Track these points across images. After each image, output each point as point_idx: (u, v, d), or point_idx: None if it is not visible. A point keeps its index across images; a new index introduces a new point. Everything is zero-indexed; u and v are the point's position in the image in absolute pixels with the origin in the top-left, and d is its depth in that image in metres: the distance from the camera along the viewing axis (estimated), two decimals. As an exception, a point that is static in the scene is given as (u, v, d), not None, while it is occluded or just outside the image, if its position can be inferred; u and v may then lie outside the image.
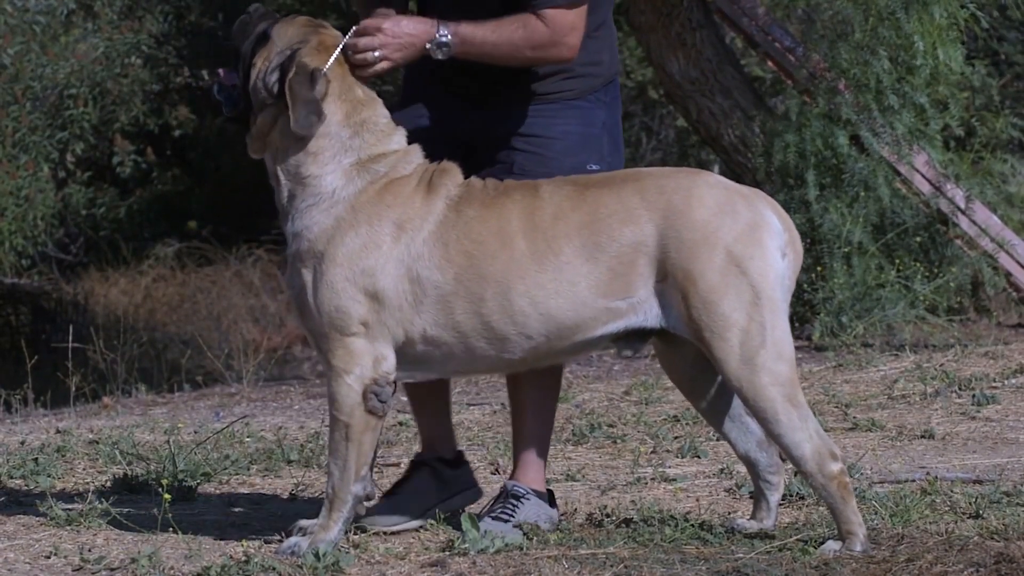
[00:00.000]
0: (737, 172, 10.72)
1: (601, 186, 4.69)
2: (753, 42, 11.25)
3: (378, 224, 4.65)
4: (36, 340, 14.01)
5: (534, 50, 4.82)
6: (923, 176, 10.62)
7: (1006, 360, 8.46)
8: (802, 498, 5.46)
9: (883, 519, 5.02)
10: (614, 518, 5.17)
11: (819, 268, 10.15)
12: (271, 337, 14.17)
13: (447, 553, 4.69)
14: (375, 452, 4.79)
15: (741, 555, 4.58)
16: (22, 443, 6.87)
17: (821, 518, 5.04)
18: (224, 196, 16.68)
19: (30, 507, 5.39)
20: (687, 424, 7.13)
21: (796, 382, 4.62)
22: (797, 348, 4.67)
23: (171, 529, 4.93)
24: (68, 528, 5.06)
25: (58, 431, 7.29)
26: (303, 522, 4.84)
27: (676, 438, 6.80)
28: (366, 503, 4.78)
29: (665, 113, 15.56)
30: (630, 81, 14.97)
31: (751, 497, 5.27)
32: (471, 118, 5.00)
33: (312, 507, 5.35)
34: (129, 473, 5.85)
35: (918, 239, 10.55)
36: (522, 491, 5.00)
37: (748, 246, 4.59)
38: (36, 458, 6.15)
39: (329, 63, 4.72)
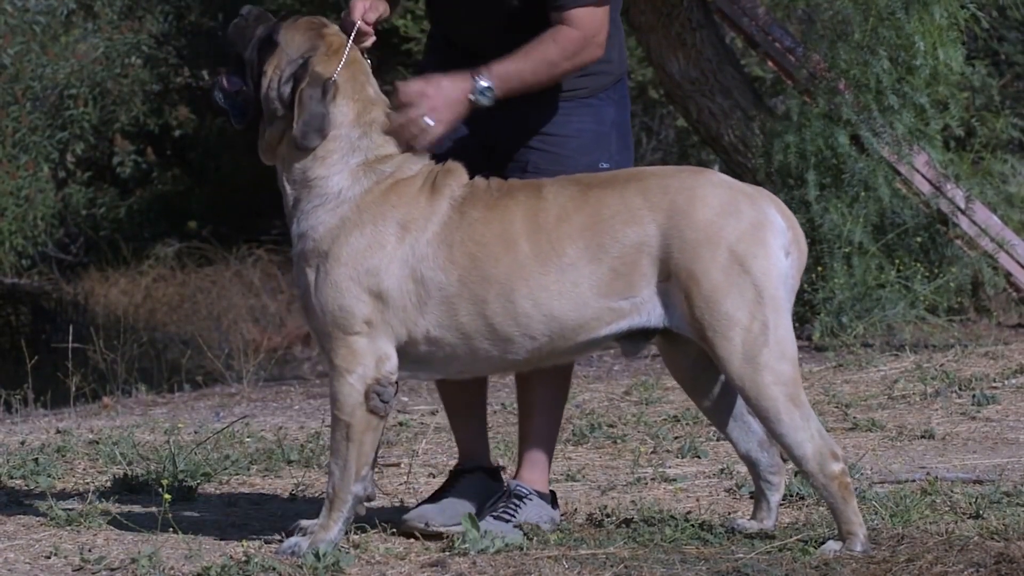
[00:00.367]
0: (737, 172, 10.70)
1: (605, 186, 4.69)
2: (753, 42, 11.25)
3: (383, 224, 4.66)
4: (36, 340, 14.02)
5: (570, 60, 4.82)
6: (923, 176, 10.62)
7: (1006, 360, 8.45)
8: (802, 498, 5.46)
9: (883, 519, 5.02)
10: (614, 518, 5.17)
11: (819, 268, 10.15)
12: (271, 337, 14.17)
13: (447, 553, 4.69)
14: (376, 452, 4.79)
15: (741, 555, 4.58)
16: (22, 443, 6.87)
17: (821, 518, 5.04)
18: (224, 196, 16.68)
19: (30, 507, 5.39)
20: (687, 424, 7.13)
21: (799, 381, 4.62)
22: (797, 348, 4.67)
23: (171, 529, 4.92)
24: (68, 528, 5.06)
25: (58, 431, 7.29)
26: (303, 522, 4.84)
27: (676, 438, 6.80)
28: (366, 503, 4.77)
29: (665, 113, 15.56)
30: (630, 81, 14.94)
31: (751, 497, 5.28)
32: (487, 119, 4.99)
33: (312, 507, 5.35)
34: (129, 473, 5.85)
35: (918, 239, 10.55)
36: (525, 491, 5.00)
37: (751, 245, 4.59)
38: (36, 458, 6.15)
39: (339, 67, 4.71)
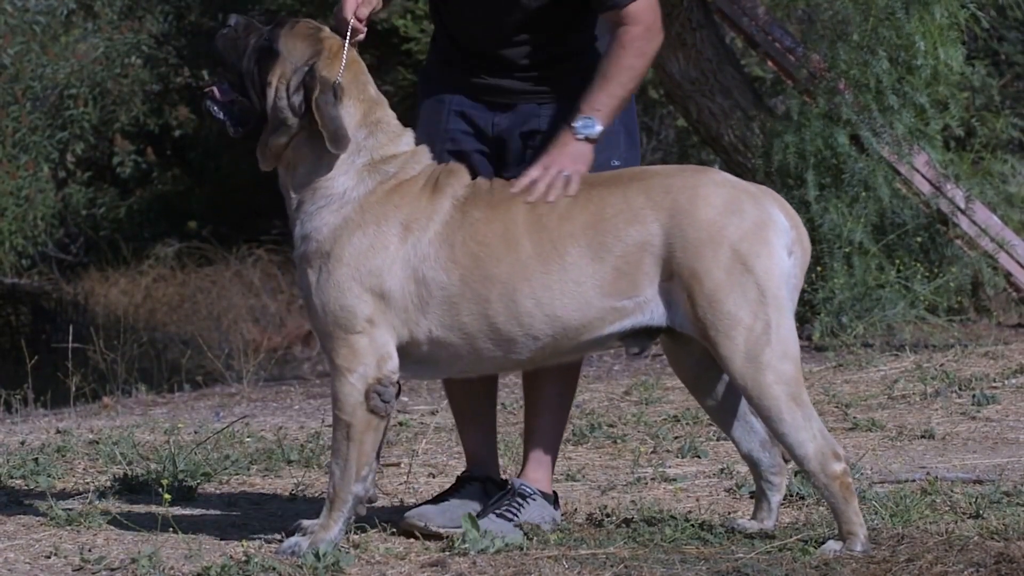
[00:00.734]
0: (737, 172, 10.67)
1: (607, 185, 4.69)
2: (753, 42, 11.25)
3: (386, 225, 4.66)
4: (36, 340, 14.02)
5: (645, 56, 4.87)
6: (923, 176, 10.62)
7: (1006, 360, 8.45)
8: (803, 498, 5.46)
9: (883, 519, 5.02)
10: (614, 518, 5.17)
11: (819, 268, 10.15)
12: (271, 337, 14.18)
13: (447, 553, 4.69)
14: (378, 453, 4.79)
15: (741, 555, 4.58)
16: (22, 443, 6.87)
17: (821, 518, 5.04)
18: (224, 196, 16.68)
19: (30, 507, 5.38)
20: (687, 424, 7.13)
21: (801, 381, 4.62)
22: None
23: (171, 529, 4.92)
24: (68, 528, 5.06)
25: (58, 431, 7.29)
26: (304, 522, 4.84)
27: (676, 438, 6.80)
28: (367, 504, 4.77)
29: (665, 113, 15.56)
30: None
31: (751, 497, 5.28)
32: (498, 121, 5.01)
33: (312, 507, 5.35)
34: (129, 473, 5.85)
35: (918, 239, 10.55)
36: (529, 491, 5.00)
37: (754, 244, 4.59)
38: (36, 458, 6.15)
39: (341, 69, 4.71)
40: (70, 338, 9.33)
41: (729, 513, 5.34)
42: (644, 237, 4.61)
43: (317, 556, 4.52)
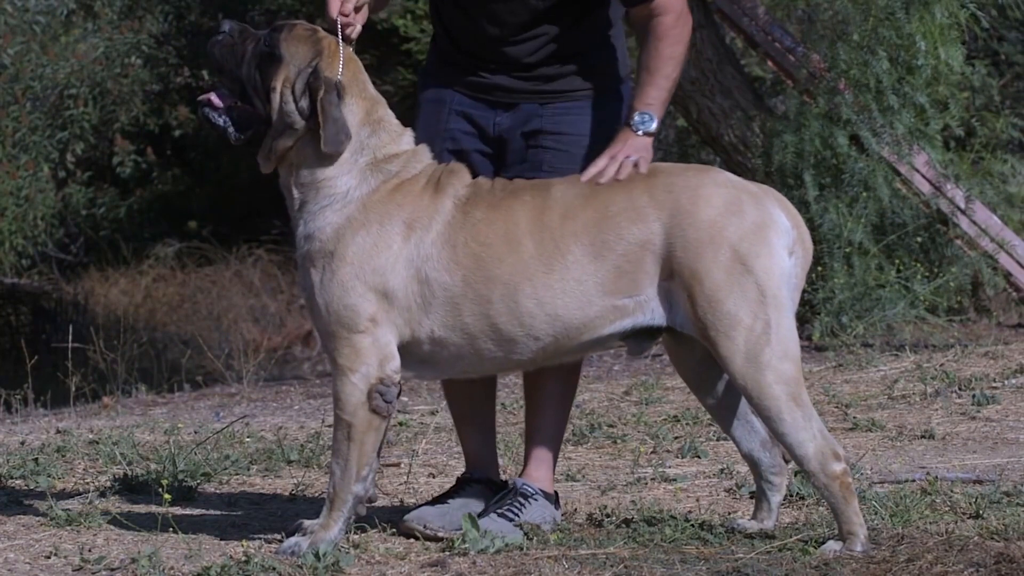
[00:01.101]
0: (737, 172, 10.57)
1: (610, 184, 4.70)
2: (753, 42, 11.25)
3: (389, 224, 4.66)
4: (36, 340, 14.01)
5: (682, 42, 4.96)
6: (923, 176, 10.62)
7: (1006, 360, 8.46)
8: (803, 498, 5.46)
9: (883, 519, 5.02)
10: (614, 518, 5.17)
11: (819, 268, 10.15)
12: (271, 337, 14.17)
13: (447, 553, 4.68)
14: (378, 453, 4.79)
15: (741, 555, 4.58)
16: (22, 443, 6.87)
17: (821, 518, 5.04)
18: (224, 196, 16.68)
19: (30, 507, 5.38)
20: (687, 424, 7.13)
21: (801, 381, 4.62)
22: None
23: (171, 529, 4.92)
24: (68, 528, 5.06)
25: (58, 431, 7.29)
26: (305, 522, 4.84)
27: (676, 438, 6.80)
28: (367, 504, 4.77)
29: (665, 113, 15.55)
30: (631, 82, 14.95)
31: (751, 497, 5.27)
32: (499, 120, 5.01)
33: (312, 507, 5.35)
34: (129, 473, 5.85)
35: (918, 239, 10.55)
36: (531, 491, 5.00)
37: (754, 245, 4.59)
38: (36, 458, 6.15)
39: (341, 68, 4.71)
40: (70, 338, 9.33)
41: (729, 513, 5.34)
42: (645, 236, 4.61)
43: (317, 556, 4.52)
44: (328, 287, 4.65)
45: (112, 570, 4.60)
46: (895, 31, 10.23)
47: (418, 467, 6.25)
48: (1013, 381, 7.92)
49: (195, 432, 7.06)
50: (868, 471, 5.97)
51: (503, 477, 5.24)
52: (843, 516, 4.61)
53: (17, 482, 5.89)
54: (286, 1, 15.21)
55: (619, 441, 6.76)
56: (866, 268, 10.24)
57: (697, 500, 5.59)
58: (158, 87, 16.15)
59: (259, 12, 15.67)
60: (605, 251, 4.62)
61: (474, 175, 4.80)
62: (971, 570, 4.43)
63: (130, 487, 5.69)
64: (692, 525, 4.96)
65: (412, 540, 4.88)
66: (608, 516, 5.19)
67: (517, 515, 4.92)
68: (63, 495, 5.56)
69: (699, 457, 6.42)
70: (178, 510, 5.33)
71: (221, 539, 4.95)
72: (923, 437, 6.78)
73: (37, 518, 5.19)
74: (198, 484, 5.77)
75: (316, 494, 5.73)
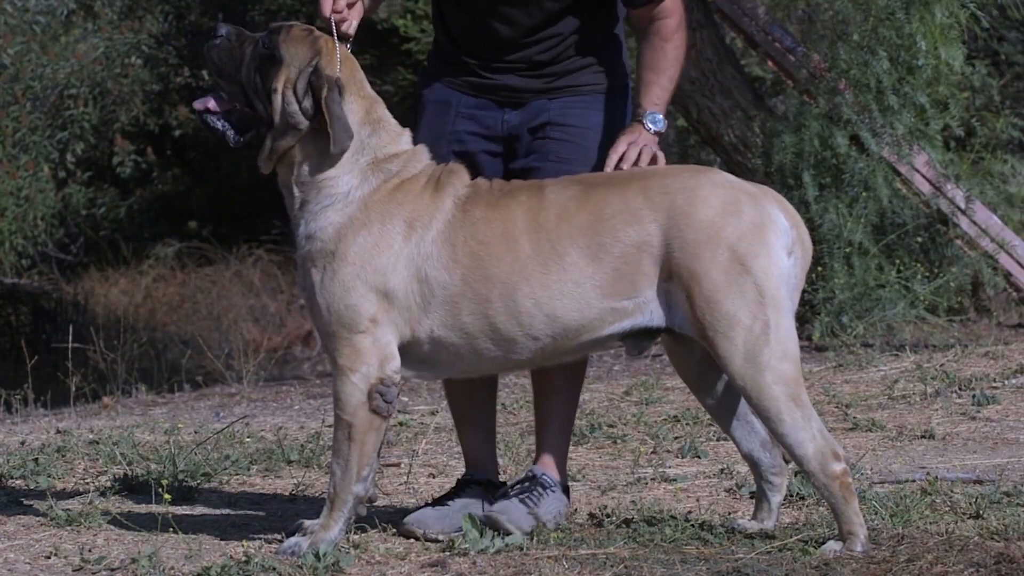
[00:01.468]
0: (737, 172, 10.63)
1: (606, 186, 4.69)
2: (753, 42, 11.25)
3: (390, 223, 4.66)
4: (36, 340, 14.02)
5: (683, 47, 5.08)
6: (923, 176, 10.62)
7: (1006, 360, 8.46)
8: (803, 498, 5.46)
9: (883, 519, 5.02)
10: (614, 518, 5.17)
11: (819, 268, 10.15)
12: (271, 337, 14.17)
13: (447, 553, 4.69)
14: (378, 453, 4.79)
15: (741, 555, 4.58)
16: (22, 443, 6.87)
17: (821, 518, 5.04)
18: (224, 196, 16.69)
19: (30, 507, 5.38)
20: (687, 424, 7.13)
21: (800, 381, 4.61)
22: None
23: (171, 529, 4.92)
24: (68, 528, 5.06)
25: (58, 431, 7.29)
26: (305, 522, 4.84)
27: (676, 438, 6.80)
28: (367, 504, 4.77)
29: (665, 113, 15.54)
30: (630, 81, 14.96)
31: (751, 497, 5.27)
32: (508, 118, 5.02)
33: (312, 507, 5.35)
34: (129, 473, 5.85)
35: (918, 239, 10.55)
36: (550, 481, 5.01)
37: (752, 245, 4.59)
38: (36, 458, 6.15)
39: (339, 67, 4.71)
40: (70, 338, 9.34)
41: (729, 513, 5.34)
42: (642, 238, 4.61)
43: (317, 556, 4.52)
44: (329, 287, 4.65)
45: (112, 570, 4.60)
46: (895, 31, 10.23)
47: (418, 467, 6.25)
48: (1013, 381, 7.92)
49: (195, 432, 7.06)
50: (868, 471, 5.97)
51: (503, 477, 5.24)
52: (843, 516, 4.61)
53: (17, 482, 5.89)
54: (286, 1, 15.21)
55: (619, 441, 6.76)
56: (866, 268, 10.24)
57: (697, 500, 5.59)
58: (158, 87, 16.15)
59: (259, 12, 15.68)
60: (602, 253, 4.61)
61: (473, 175, 4.80)
62: (971, 570, 4.43)
63: (130, 487, 5.69)
64: (692, 525, 4.96)
65: (412, 540, 4.88)
66: (608, 516, 5.20)
67: (536, 504, 4.93)
68: (63, 495, 5.56)
69: (699, 457, 6.42)
70: (178, 510, 5.33)
71: (221, 539, 4.95)
72: (923, 437, 6.78)
73: (37, 518, 5.19)
74: (198, 484, 5.77)
75: (316, 494, 5.73)
